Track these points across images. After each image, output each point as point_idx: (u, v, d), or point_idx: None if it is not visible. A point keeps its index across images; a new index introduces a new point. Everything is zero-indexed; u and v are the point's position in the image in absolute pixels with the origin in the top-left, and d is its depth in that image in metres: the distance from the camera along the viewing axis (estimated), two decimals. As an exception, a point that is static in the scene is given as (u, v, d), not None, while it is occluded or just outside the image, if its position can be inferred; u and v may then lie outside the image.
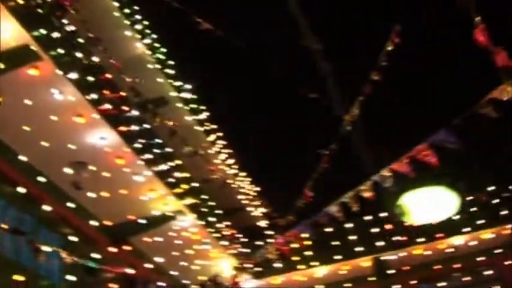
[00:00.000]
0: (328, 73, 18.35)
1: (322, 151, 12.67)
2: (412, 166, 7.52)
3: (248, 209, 18.49)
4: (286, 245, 9.24)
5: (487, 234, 16.35)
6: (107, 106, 10.93)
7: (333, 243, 16.89)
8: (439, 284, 16.81)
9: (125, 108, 12.29)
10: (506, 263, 16.32)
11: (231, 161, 17.86)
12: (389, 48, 10.59)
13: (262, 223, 18.77)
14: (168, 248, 13.83)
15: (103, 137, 10.75)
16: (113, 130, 10.90)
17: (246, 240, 16.80)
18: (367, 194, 8.10)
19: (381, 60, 10.81)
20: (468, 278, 16.70)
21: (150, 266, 14.02)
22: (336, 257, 16.70)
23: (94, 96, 10.63)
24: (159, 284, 10.91)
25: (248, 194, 18.53)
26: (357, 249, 16.78)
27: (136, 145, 12.01)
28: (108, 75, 12.13)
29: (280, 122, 20.10)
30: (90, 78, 10.97)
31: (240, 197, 18.09)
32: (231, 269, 14.39)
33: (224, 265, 15.46)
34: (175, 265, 14.52)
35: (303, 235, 9.09)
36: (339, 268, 16.75)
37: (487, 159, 17.07)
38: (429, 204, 11.13)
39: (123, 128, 11.44)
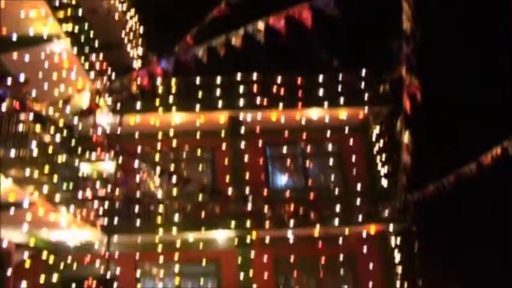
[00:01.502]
0: None
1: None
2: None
3: (127, 47, 17.92)
4: (147, 77, 9.07)
5: (342, 112, 17.46)
6: None
7: (196, 92, 17.05)
8: (284, 149, 17.84)
9: None
10: (350, 143, 17.73)
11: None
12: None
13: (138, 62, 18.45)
14: (34, 70, 13.10)
15: None
16: None
17: (114, 78, 16.40)
18: (236, 42, 8.04)
19: None
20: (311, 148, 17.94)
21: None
22: (196, 107, 16.91)
23: None
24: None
25: (131, 33, 17.92)
26: (218, 103, 17.11)
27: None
28: None
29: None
30: None
31: (122, 33, 17.40)
32: (91, 97, 14.07)
33: (85, 95, 15.10)
34: (39, 88, 13.88)
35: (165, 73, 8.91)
36: (196, 118, 17.02)
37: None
38: None
39: None
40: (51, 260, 14.39)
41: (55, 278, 14.41)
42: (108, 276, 15.39)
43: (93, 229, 14.35)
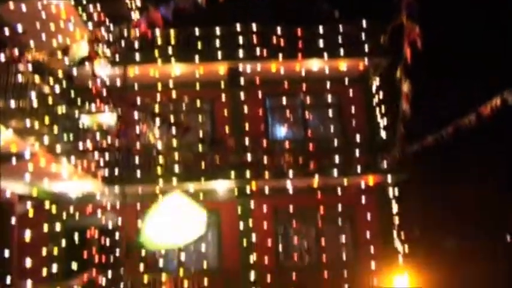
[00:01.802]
0: None
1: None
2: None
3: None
4: (146, 25, 9.00)
5: (342, 64, 17.40)
6: None
7: (195, 43, 16.93)
8: (284, 100, 17.84)
9: None
10: (350, 94, 17.72)
11: None
12: None
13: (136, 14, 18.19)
14: (32, 21, 12.95)
15: None
16: None
17: (113, 28, 16.22)
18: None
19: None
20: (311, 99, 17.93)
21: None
22: (195, 58, 16.81)
23: None
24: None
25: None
26: (217, 54, 17.01)
27: None
28: None
29: None
30: None
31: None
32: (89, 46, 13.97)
33: (84, 45, 14.99)
34: (36, 39, 13.75)
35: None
36: (195, 69, 16.95)
37: None
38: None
39: None
40: (54, 210, 14.57)
41: (58, 227, 14.63)
42: (110, 227, 15.69)
43: (94, 180, 14.50)
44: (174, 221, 10.06)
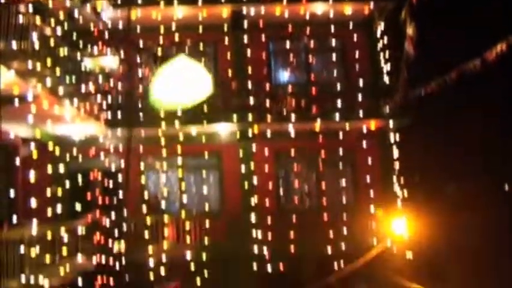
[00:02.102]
0: None
1: None
2: None
3: None
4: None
5: (347, 8, 17.17)
6: None
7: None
8: (287, 44, 17.69)
9: None
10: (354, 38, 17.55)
11: None
12: None
13: None
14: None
15: None
16: None
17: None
18: None
19: None
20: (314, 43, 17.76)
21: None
22: (198, 0, 16.60)
23: None
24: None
25: None
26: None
27: None
28: None
29: None
30: None
31: None
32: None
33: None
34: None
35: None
36: (198, 11, 16.74)
37: None
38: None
39: None
40: (57, 152, 14.71)
41: (62, 169, 14.81)
42: (113, 169, 15.88)
43: (96, 123, 14.58)
44: (181, 81, 10.15)
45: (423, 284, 13.72)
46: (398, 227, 15.66)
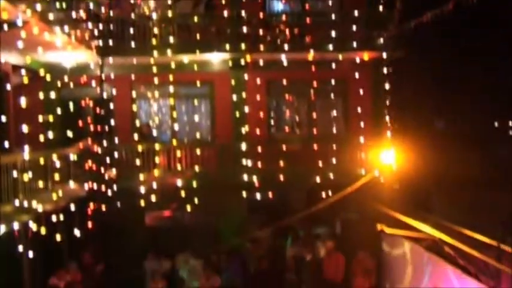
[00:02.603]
0: None
1: None
2: None
3: None
4: None
5: None
6: None
7: None
8: None
9: None
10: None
11: None
12: None
13: None
14: None
15: None
16: None
17: None
18: None
19: None
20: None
21: None
22: None
23: None
24: None
25: None
26: None
27: None
28: None
29: None
30: None
31: None
32: None
33: None
34: None
35: None
36: None
37: None
38: None
39: None
40: (48, 79, 14.68)
41: (53, 96, 14.82)
42: (104, 97, 15.90)
43: (88, 50, 14.48)
44: None
45: (408, 214, 14.05)
46: (387, 158, 15.89)
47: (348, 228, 16.65)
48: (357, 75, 16.87)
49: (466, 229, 11.43)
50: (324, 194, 15.86)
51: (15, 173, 10.43)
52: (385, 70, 17.14)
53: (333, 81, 16.85)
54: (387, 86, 17.01)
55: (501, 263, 9.69)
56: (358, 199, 15.78)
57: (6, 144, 12.66)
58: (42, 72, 14.11)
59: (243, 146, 15.97)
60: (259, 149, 15.98)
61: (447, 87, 22.22)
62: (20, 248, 11.09)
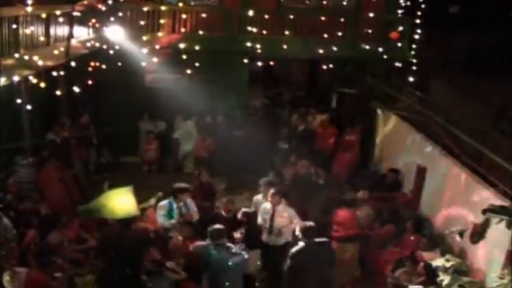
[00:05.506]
0: None
1: None
2: None
3: None
4: None
5: None
6: None
7: None
8: None
9: None
10: None
11: None
12: None
13: None
14: None
15: None
16: None
17: None
18: None
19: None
20: None
21: None
22: None
23: None
24: None
25: None
26: None
27: None
28: None
29: None
30: None
31: None
32: None
33: None
34: None
35: None
36: None
37: None
38: None
39: None
40: None
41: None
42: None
43: None
44: None
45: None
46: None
47: (343, 103, 16.92)
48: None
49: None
50: (325, 67, 15.96)
51: (16, 27, 10.40)
52: None
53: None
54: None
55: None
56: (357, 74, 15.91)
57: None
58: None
59: (250, 12, 15.66)
60: (267, 16, 15.75)
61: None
62: (19, 100, 11.38)
